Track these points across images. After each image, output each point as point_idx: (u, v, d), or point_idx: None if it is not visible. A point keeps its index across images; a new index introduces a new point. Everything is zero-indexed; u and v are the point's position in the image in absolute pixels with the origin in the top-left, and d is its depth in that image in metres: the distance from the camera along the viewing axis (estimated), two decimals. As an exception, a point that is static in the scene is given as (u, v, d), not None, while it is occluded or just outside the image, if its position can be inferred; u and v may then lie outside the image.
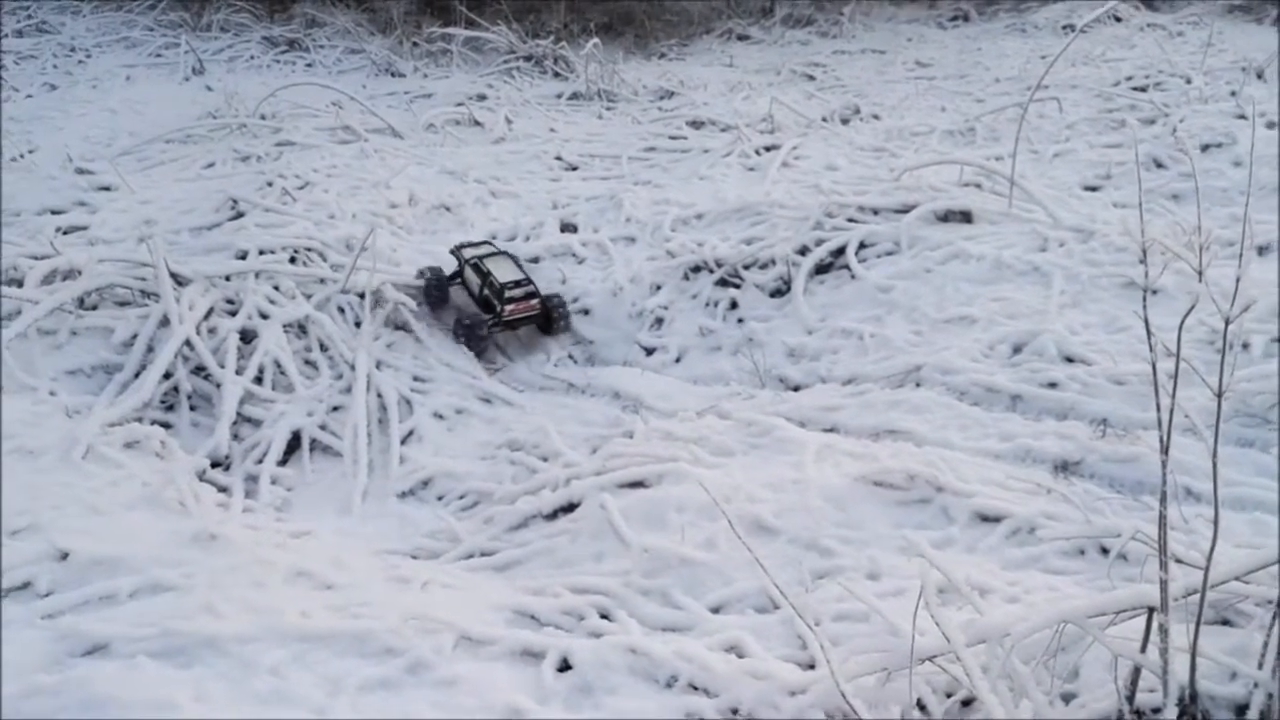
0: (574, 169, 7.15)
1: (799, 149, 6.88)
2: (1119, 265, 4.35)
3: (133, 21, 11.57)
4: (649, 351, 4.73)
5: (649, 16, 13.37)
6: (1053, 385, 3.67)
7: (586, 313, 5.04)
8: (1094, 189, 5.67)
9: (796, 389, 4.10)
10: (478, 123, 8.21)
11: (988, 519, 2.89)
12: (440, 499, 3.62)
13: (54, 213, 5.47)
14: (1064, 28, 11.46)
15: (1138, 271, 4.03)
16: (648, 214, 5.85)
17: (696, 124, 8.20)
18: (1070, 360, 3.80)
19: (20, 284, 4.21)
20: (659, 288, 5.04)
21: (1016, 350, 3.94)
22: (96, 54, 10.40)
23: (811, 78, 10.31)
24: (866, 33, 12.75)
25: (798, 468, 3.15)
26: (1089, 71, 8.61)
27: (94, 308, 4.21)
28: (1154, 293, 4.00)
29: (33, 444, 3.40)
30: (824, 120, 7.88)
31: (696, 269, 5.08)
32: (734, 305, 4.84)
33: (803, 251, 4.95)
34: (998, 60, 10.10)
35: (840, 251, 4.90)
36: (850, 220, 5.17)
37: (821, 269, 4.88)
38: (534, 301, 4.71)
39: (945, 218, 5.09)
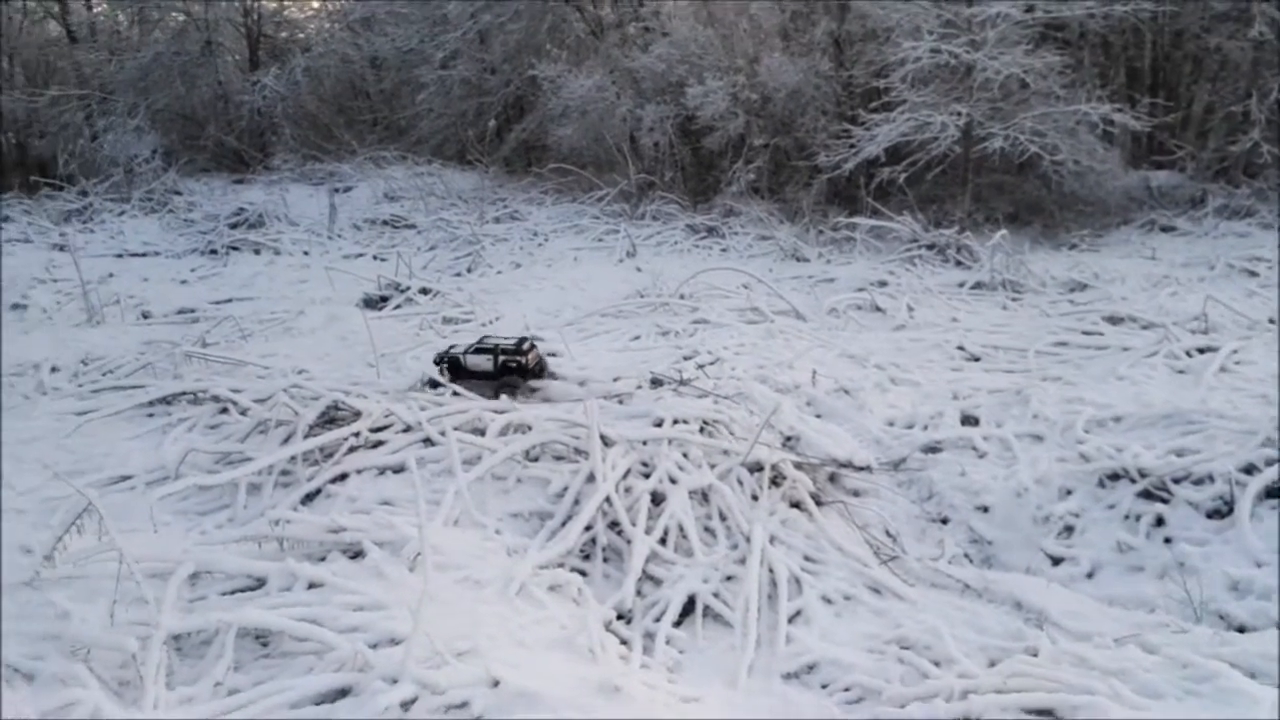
0: (976, 360, 7.01)
1: (1241, 353, 6.20)
2: None
3: (583, 211, 13.55)
4: (1055, 561, 4.39)
5: (1060, 206, 13.00)
6: None
7: (985, 510, 4.83)
8: None
9: (1241, 630, 3.57)
10: (879, 309, 8.40)
11: None
12: (824, 687, 3.57)
13: (512, 373, 6.41)
14: None
15: None
16: (1057, 412, 5.56)
17: (1113, 320, 7.72)
18: None
19: (482, 433, 4.94)
20: (1069, 493, 4.71)
21: None
22: (553, 238, 12.28)
23: (1254, 274, 9.34)
24: (1326, 224, 11.33)
25: (1247, 727, 2.72)
26: None
27: (536, 460, 4.82)
28: None
29: (478, 575, 3.89)
30: (1271, 321, 7.05)
31: (1114, 476, 4.69)
32: (1160, 522, 4.37)
33: (1249, 470, 4.38)
34: None
35: (1300, 475, 4.27)
36: (1313, 439, 4.51)
37: (1273, 492, 4.27)
38: (537, 351, 6.10)
39: None
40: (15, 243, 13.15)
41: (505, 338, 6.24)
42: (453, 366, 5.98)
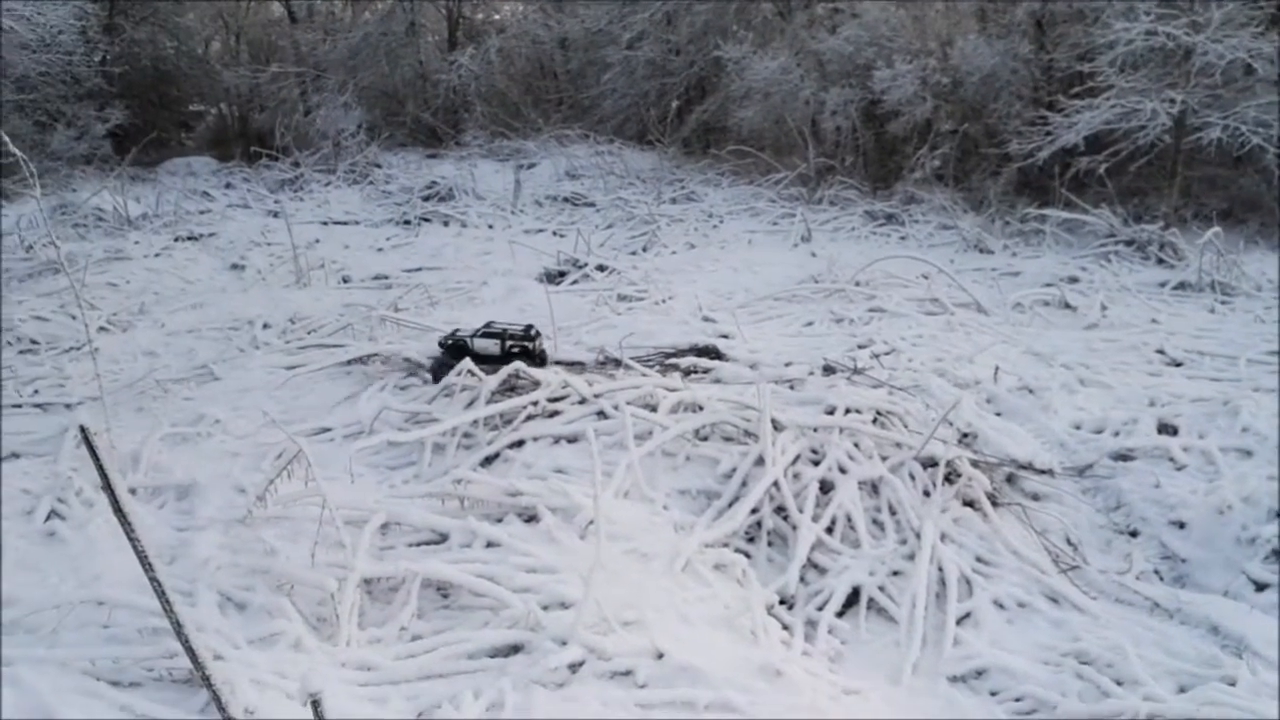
0: (1178, 365, 6.54)
1: None
2: None
3: (759, 194, 13.47)
4: (1259, 587, 4.06)
5: (1282, 204, 11.84)
6: None
7: (1181, 526, 4.52)
8: None
9: None
10: (1069, 306, 7.96)
11: None
12: (993, 694, 3.46)
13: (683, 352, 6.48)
14: None
15: None
16: (1270, 427, 5.12)
17: (1343, 330, 7.01)
18: None
19: (654, 409, 5.03)
20: (1280, 515, 4.34)
21: None
22: (728, 220, 12.28)
23: None
24: None
25: None
26: None
27: (705, 439, 4.87)
28: None
29: (646, 549, 3.98)
30: None
31: (1336, 502, 4.28)
32: (1387, 556, 3.97)
33: None
34: None
35: None
36: None
37: None
38: (542, 339, 6.11)
39: None
40: (236, 208, 14.37)
41: (511, 324, 6.20)
42: (459, 349, 5.92)
